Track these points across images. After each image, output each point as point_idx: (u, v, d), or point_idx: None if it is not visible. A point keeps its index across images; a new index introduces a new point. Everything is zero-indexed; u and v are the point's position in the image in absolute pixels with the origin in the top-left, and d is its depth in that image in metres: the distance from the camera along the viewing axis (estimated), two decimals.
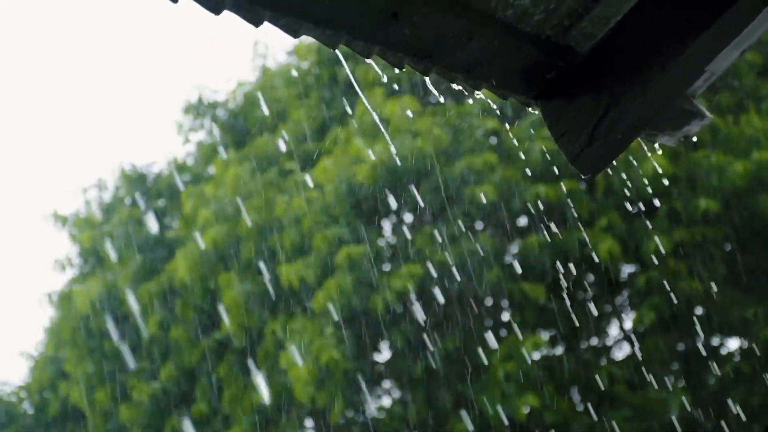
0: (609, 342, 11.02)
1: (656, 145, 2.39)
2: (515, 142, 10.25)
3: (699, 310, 10.31)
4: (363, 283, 9.84)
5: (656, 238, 9.63)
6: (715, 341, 10.81)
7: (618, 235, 9.84)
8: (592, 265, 10.10)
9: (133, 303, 12.29)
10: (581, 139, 2.09)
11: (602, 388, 9.89)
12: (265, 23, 1.70)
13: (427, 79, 2.00)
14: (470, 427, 9.79)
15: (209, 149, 13.64)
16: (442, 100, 10.96)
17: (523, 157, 10.06)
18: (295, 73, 12.42)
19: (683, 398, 9.84)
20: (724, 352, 10.72)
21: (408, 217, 10.84)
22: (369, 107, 10.71)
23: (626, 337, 10.85)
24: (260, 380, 10.78)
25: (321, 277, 10.09)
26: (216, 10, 1.64)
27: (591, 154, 2.10)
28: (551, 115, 2.13)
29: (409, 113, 10.36)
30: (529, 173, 9.98)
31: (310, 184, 10.65)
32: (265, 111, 12.53)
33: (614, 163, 2.25)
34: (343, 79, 11.89)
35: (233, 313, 10.79)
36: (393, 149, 10.03)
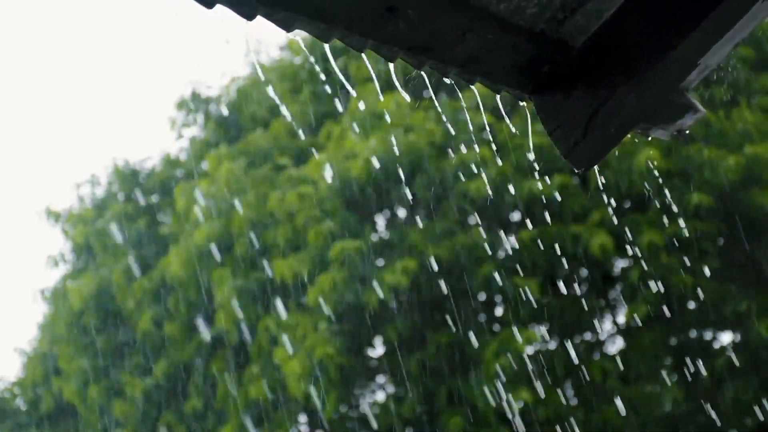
0: (602, 336, 11.04)
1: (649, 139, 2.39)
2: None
3: (692, 305, 10.33)
4: (356, 277, 9.84)
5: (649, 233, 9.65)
6: (708, 335, 10.83)
7: (611, 230, 9.85)
8: (585, 260, 10.12)
9: (126, 299, 12.29)
10: (575, 133, 2.09)
11: (595, 383, 9.91)
12: (259, 17, 1.70)
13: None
14: (463, 421, 9.80)
15: (202, 145, 13.62)
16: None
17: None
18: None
19: (676, 392, 9.87)
20: (716, 346, 10.74)
21: (401, 212, 10.85)
22: (361, 103, 10.71)
23: (619, 332, 10.87)
24: (254, 376, 10.76)
25: (315, 272, 10.09)
26: (209, 4, 1.64)
27: (584, 148, 2.10)
28: (545, 110, 2.14)
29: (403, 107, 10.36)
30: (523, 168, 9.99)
31: (304, 179, 10.65)
32: (258, 107, 12.53)
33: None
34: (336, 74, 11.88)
35: (227, 309, 10.79)
36: (386, 143, 10.03)
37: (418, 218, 10.24)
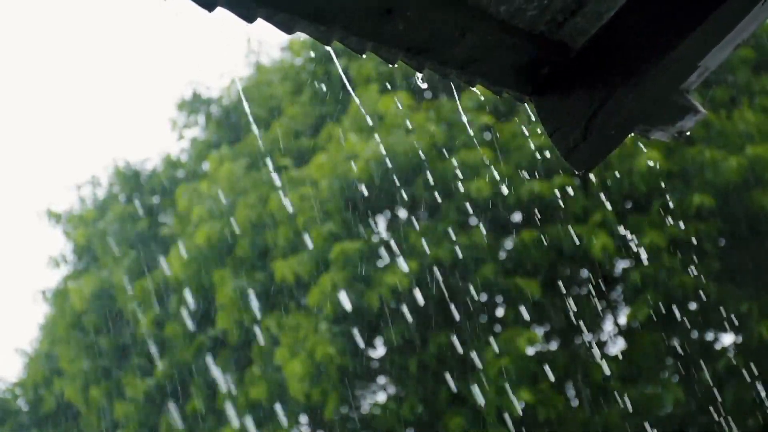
0: (603, 337, 11.03)
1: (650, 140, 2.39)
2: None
3: (693, 306, 10.32)
4: (357, 278, 9.83)
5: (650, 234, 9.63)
6: (710, 336, 10.82)
7: (612, 231, 9.84)
8: (586, 261, 10.10)
9: (127, 300, 12.28)
10: (575, 134, 2.09)
11: (597, 383, 9.90)
12: (259, 20, 1.70)
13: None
14: (465, 422, 9.79)
15: (203, 145, 13.62)
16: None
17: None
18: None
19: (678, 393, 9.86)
20: (718, 347, 10.73)
21: (402, 213, 10.83)
22: (361, 105, 10.70)
23: (620, 332, 10.86)
24: (255, 376, 10.75)
25: (315, 273, 10.08)
26: (209, 7, 1.64)
27: (584, 149, 2.10)
28: (545, 111, 2.13)
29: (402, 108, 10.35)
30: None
31: (305, 180, 10.64)
32: (259, 107, 12.53)
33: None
34: (337, 75, 11.89)
35: (227, 310, 10.78)
36: (386, 145, 10.03)
37: (416, 219, 10.24)
